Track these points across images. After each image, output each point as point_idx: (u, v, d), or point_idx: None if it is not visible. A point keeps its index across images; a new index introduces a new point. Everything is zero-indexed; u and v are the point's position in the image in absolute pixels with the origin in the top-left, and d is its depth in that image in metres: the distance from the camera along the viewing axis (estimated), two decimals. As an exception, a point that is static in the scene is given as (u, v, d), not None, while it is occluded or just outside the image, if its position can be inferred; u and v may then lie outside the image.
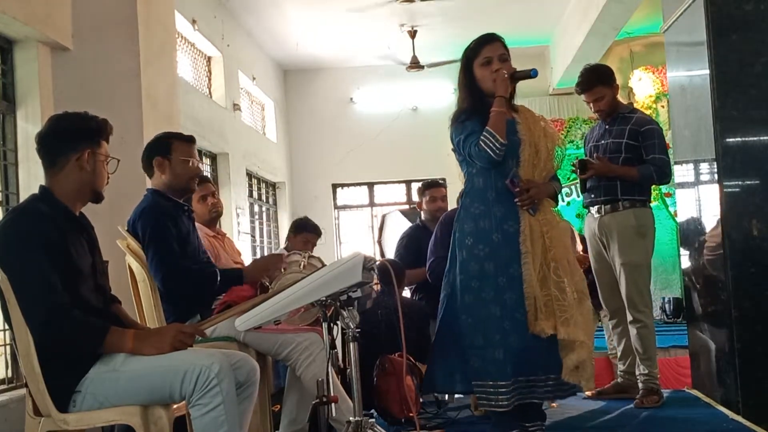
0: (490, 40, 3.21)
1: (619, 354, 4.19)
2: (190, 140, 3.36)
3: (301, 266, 3.26)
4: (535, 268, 3.04)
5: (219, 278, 3.20)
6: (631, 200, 3.99)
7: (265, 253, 9.12)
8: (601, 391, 4.20)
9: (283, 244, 5.98)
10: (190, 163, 3.29)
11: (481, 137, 3.08)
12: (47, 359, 2.36)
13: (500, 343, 3.05)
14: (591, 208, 4.13)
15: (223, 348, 2.85)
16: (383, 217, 7.71)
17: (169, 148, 3.28)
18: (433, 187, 5.08)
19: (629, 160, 3.98)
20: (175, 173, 3.26)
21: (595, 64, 4.46)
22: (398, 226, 6.28)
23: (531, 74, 3.11)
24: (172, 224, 3.20)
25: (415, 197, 5.67)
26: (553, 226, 3.12)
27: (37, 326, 2.32)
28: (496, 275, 3.09)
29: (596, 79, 4.07)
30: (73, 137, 2.51)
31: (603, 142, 4.10)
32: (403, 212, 8.40)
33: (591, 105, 4.13)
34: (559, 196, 3.29)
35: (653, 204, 8.32)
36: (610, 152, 4.03)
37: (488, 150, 3.06)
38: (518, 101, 3.28)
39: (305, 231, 5.10)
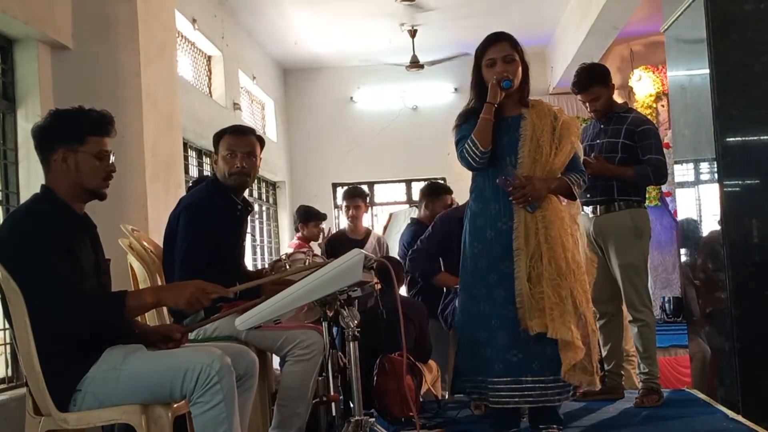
0: (495, 40, 3.20)
1: (604, 354, 4.12)
2: None
3: (306, 263, 3.26)
4: (527, 265, 3.03)
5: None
6: (627, 201, 3.97)
7: (266, 253, 9.12)
8: (585, 392, 4.18)
9: (291, 241, 5.87)
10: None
11: (465, 144, 3.10)
12: (48, 358, 2.37)
13: (488, 340, 3.07)
14: (585, 207, 4.09)
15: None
16: (390, 215, 7.67)
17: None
18: None
19: (625, 160, 3.96)
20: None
21: (590, 63, 4.40)
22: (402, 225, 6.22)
23: (503, 85, 3.09)
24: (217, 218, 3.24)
25: (415, 196, 5.62)
26: (552, 222, 3.07)
27: (66, 321, 2.32)
28: (488, 272, 3.11)
29: (592, 79, 4.03)
30: (48, 138, 2.49)
31: (598, 141, 4.06)
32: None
33: (587, 105, 4.09)
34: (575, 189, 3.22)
35: (652, 204, 8.40)
36: (606, 152, 4.00)
37: (469, 158, 3.12)
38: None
39: (316, 218, 5.06)
